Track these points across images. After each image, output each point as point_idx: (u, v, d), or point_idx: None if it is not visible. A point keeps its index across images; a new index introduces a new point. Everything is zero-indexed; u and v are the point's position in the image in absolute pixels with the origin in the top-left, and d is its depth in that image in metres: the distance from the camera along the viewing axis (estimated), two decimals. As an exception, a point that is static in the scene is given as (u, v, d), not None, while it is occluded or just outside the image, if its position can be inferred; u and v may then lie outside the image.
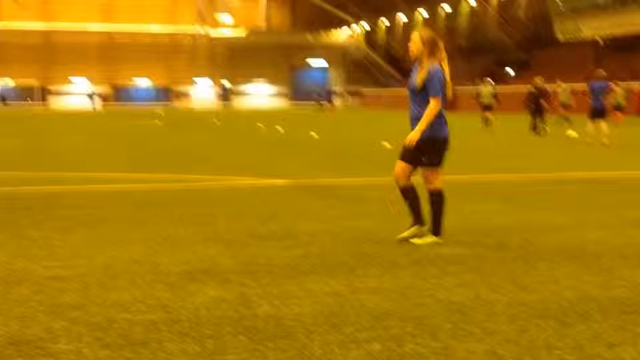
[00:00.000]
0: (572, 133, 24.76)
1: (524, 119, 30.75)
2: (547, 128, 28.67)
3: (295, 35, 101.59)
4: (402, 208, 7.63)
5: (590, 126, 21.97)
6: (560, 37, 62.40)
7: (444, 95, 7.17)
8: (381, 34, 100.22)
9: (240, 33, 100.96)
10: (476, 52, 76.00)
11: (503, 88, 60.05)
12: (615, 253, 6.83)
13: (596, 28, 58.49)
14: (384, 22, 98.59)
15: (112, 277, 5.92)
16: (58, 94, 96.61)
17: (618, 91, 31.22)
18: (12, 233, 7.89)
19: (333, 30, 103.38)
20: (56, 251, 6.96)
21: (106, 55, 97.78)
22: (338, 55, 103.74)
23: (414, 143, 7.14)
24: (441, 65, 7.21)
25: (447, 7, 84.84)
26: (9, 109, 77.14)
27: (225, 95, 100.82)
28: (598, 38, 61.11)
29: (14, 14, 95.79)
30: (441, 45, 7.26)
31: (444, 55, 7.25)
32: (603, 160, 17.08)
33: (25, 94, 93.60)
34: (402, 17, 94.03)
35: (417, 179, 7.40)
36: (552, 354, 4.16)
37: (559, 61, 61.17)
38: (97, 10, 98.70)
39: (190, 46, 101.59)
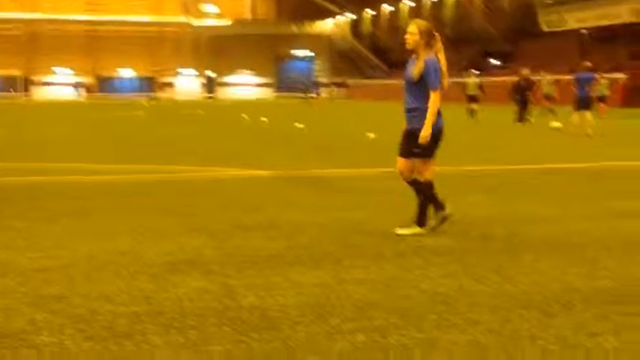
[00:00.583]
0: (556, 124, 24.83)
1: (509, 110, 30.78)
2: (532, 119, 28.71)
3: (280, 26, 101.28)
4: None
5: (575, 117, 22.05)
6: (544, 28, 62.52)
7: (441, 86, 7.18)
8: (367, 25, 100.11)
9: (225, 23, 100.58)
10: (461, 42, 75.99)
11: (488, 79, 60.21)
12: (599, 244, 6.87)
13: (580, 19, 58.64)
14: (369, 12, 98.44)
15: (95, 269, 5.90)
16: (42, 84, 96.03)
17: (603, 82, 31.38)
18: (-5, 224, 7.85)
19: (318, 20, 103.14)
20: (40, 242, 6.93)
21: (89, 45, 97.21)
22: (323, 46, 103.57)
23: (428, 139, 7.14)
24: (437, 56, 7.21)
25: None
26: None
27: (210, 86, 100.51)
28: (582, 29, 61.29)
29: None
30: (438, 36, 7.27)
31: (440, 45, 7.27)
32: (588, 151, 17.14)
33: (8, 84, 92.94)
34: (387, 7, 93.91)
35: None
36: (535, 344, 4.17)
37: (543, 52, 61.27)
38: (80, 0, 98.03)
39: (175, 37, 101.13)
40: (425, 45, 7.18)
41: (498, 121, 31.90)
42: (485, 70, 68.67)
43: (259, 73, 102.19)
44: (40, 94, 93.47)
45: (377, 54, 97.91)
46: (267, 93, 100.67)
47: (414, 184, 7.39)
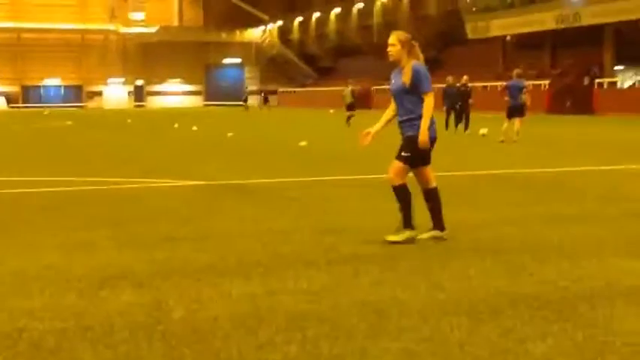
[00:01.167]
0: (484, 130, 25.21)
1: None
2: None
3: (209, 33, 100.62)
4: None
5: (505, 124, 22.37)
6: (470, 34, 63.43)
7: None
8: (295, 32, 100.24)
9: (152, 30, 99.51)
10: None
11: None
12: (526, 249, 6.99)
13: (504, 26, 59.61)
14: (298, 20, 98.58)
15: (21, 285, 5.77)
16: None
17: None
18: None
19: (247, 28, 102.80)
20: (-37, 258, 6.74)
21: (13, 53, 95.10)
22: (252, 54, 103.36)
23: (428, 144, 7.25)
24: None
25: (360, 5, 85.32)
26: None
27: (139, 94, 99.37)
28: (507, 36, 62.40)
29: None
30: (417, 45, 7.37)
31: (420, 54, 7.40)
32: (515, 159, 17.46)
33: None
34: (316, 15, 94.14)
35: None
36: (464, 350, 4.23)
37: (469, 58, 62.22)
38: (3, 6, 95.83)
39: (101, 44, 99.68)
40: (408, 53, 7.31)
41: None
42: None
43: (188, 81, 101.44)
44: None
45: (306, 61, 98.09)
46: (196, 101, 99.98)
47: (400, 191, 7.36)
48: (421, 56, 7.42)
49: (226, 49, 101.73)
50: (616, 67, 53.04)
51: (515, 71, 23.22)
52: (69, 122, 43.55)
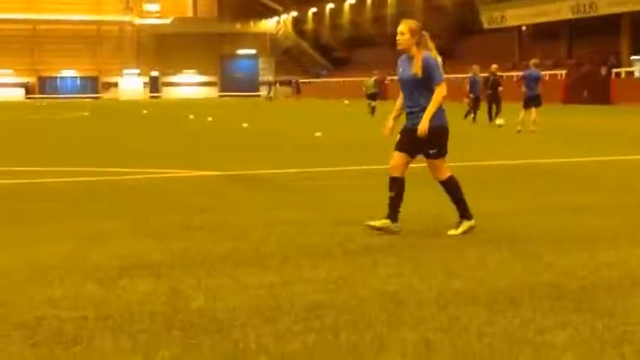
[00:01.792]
0: (500, 121, 25.10)
1: (457, 108, 30.92)
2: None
3: (223, 24, 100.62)
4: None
5: (522, 114, 22.29)
6: (485, 25, 63.17)
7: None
8: (310, 23, 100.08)
9: (166, 21, 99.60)
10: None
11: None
12: (543, 239, 6.97)
13: (520, 15, 59.32)
14: (312, 11, 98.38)
15: (40, 274, 5.80)
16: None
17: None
18: None
19: (261, 19, 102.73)
20: (-18, 248, 6.79)
21: (30, 45, 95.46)
22: (267, 45, 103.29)
23: (427, 132, 7.10)
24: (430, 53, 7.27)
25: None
26: None
27: (154, 85, 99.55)
28: (522, 26, 62.12)
29: None
30: (427, 34, 7.30)
31: (432, 44, 7.29)
32: (531, 148, 17.39)
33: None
34: (330, 6, 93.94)
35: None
36: (482, 341, 4.22)
37: (484, 49, 61.90)
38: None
39: (117, 36, 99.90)
40: (417, 43, 7.21)
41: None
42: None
43: (203, 72, 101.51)
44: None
45: (320, 51, 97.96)
46: (211, 92, 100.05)
47: (395, 183, 7.34)
48: (431, 45, 7.28)
49: (241, 40, 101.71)
50: (633, 57, 52.61)
51: (532, 61, 23.09)
52: (85, 113, 43.72)
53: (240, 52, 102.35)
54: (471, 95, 27.59)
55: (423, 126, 7.09)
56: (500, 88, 26.92)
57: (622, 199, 9.52)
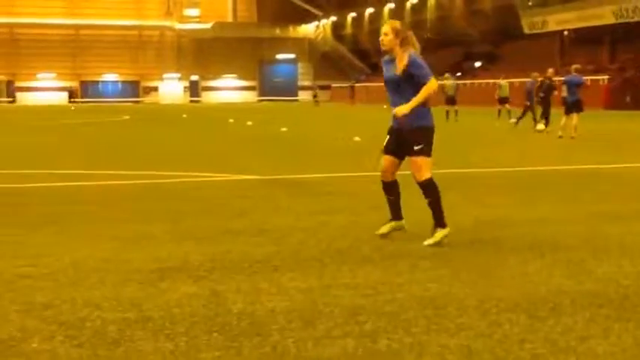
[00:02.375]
0: (540, 126, 24.89)
1: (489, 113, 30.82)
2: (497, 123, 28.37)
3: (263, 29, 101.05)
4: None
5: (564, 120, 22.11)
6: (526, 29, 62.76)
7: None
8: (349, 27, 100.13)
9: (206, 26, 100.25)
10: (443, 44, 76.11)
11: (470, 81, 60.32)
12: (585, 247, 6.89)
13: (562, 20, 58.89)
14: (351, 15, 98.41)
15: (82, 276, 5.87)
16: (27, 89, 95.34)
17: (503, 84, 32.61)
18: (-20, 232, 7.79)
19: (300, 24, 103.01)
20: (25, 249, 6.87)
21: (72, 49, 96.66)
22: (306, 49, 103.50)
23: (402, 114, 6.96)
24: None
25: (414, 0, 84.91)
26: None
27: (194, 90, 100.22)
28: (564, 31, 61.58)
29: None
30: (412, 34, 7.24)
31: (417, 44, 7.22)
32: (572, 154, 17.23)
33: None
34: (369, 11, 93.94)
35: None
36: (524, 348, 4.19)
37: (525, 53, 61.46)
38: (61, 4, 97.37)
39: (157, 40, 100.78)
40: (400, 44, 7.13)
41: (479, 123, 32.01)
42: (467, 72, 68.83)
43: (242, 77, 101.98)
44: (24, 99, 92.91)
45: (359, 56, 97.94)
46: (250, 96, 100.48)
47: (390, 187, 7.32)
48: (417, 45, 7.18)
49: (280, 45, 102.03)
50: (676, 62, 51.96)
51: (574, 66, 22.91)
52: (126, 117, 44.16)
53: (280, 56, 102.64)
54: (527, 102, 27.46)
55: (401, 110, 6.99)
56: (555, 92, 26.35)
57: (665, 206, 9.38)
